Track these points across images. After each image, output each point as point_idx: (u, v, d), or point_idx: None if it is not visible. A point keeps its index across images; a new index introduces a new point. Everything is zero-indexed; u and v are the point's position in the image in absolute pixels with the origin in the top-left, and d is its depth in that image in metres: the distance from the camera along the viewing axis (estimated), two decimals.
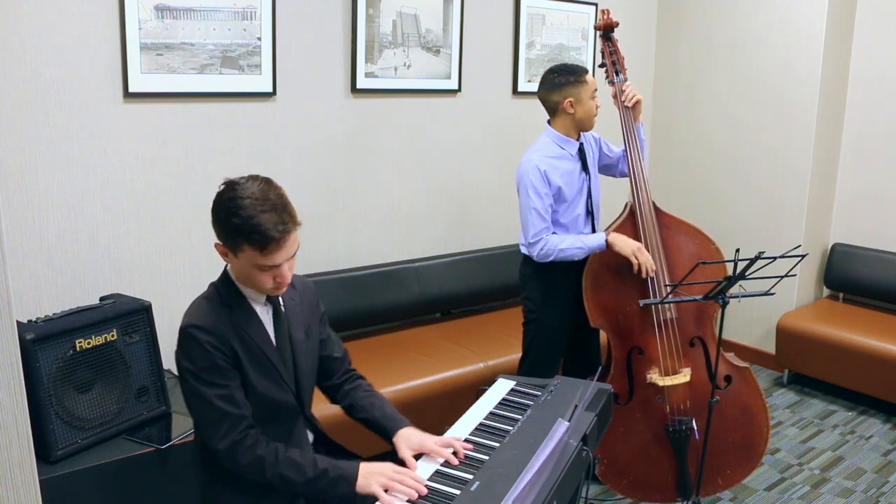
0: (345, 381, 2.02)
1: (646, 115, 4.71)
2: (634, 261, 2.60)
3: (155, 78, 2.86)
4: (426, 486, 1.66)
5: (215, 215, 1.70)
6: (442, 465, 1.75)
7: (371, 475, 1.69)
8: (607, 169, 2.99)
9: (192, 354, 1.69)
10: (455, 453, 1.78)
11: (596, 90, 2.74)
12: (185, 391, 1.76)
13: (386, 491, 1.65)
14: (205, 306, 1.76)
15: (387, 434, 1.90)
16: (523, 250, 2.81)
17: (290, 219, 1.67)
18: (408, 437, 1.85)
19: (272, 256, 1.66)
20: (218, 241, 1.72)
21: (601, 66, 2.89)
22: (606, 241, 2.63)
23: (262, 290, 1.77)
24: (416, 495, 1.63)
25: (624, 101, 2.78)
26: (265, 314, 1.82)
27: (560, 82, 2.71)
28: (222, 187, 1.70)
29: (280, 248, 1.66)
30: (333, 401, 2.04)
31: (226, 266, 1.81)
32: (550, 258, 2.70)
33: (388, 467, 1.71)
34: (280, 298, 1.85)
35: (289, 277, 1.74)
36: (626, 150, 2.79)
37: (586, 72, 2.74)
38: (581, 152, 2.78)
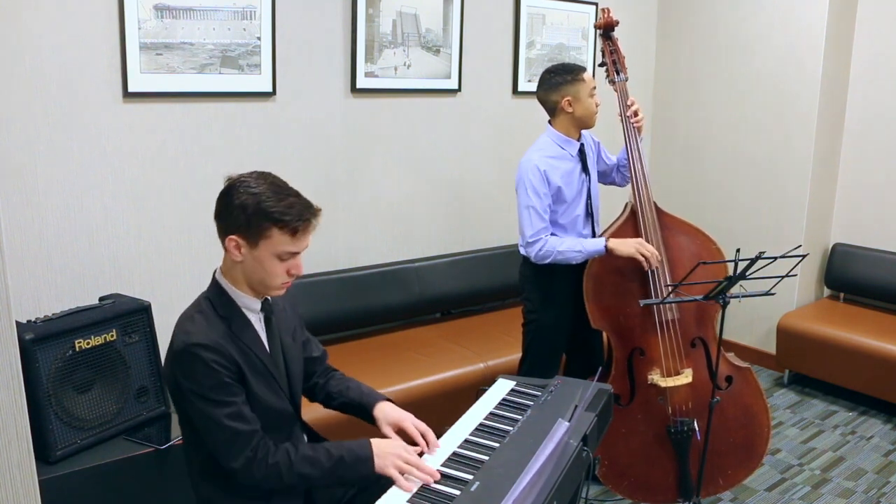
0: (320, 378, 2.02)
1: (646, 114, 4.70)
2: (640, 257, 2.59)
3: (154, 78, 2.86)
4: (439, 471, 1.68)
5: (232, 205, 1.65)
6: (445, 462, 1.74)
7: (386, 455, 1.69)
8: (602, 176, 2.99)
9: (197, 374, 1.63)
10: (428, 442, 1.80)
11: (594, 88, 2.74)
12: (189, 413, 1.69)
13: (402, 474, 1.66)
14: (201, 322, 1.69)
15: (366, 410, 1.91)
16: (522, 251, 2.80)
17: (313, 204, 1.70)
18: (386, 413, 1.87)
19: (300, 241, 1.68)
20: (232, 236, 1.66)
21: (601, 65, 2.88)
22: (606, 247, 2.63)
23: (271, 287, 1.73)
24: (430, 481, 1.65)
25: (632, 120, 2.76)
26: (258, 322, 1.79)
27: (557, 81, 2.71)
28: (230, 181, 1.69)
29: (308, 232, 1.69)
30: (312, 399, 2.03)
31: (214, 274, 1.78)
32: (548, 260, 2.69)
33: (401, 448, 1.72)
34: (270, 306, 1.84)
35: (301, 270, 1.74)
36: (627, 154, 2.77)
37: (583, 70, 2.74)
38: (581, 153, 2.78)
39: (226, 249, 1.71)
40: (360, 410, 1.93)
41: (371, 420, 1.91)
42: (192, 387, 1.64)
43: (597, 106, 2.75)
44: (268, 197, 1.64)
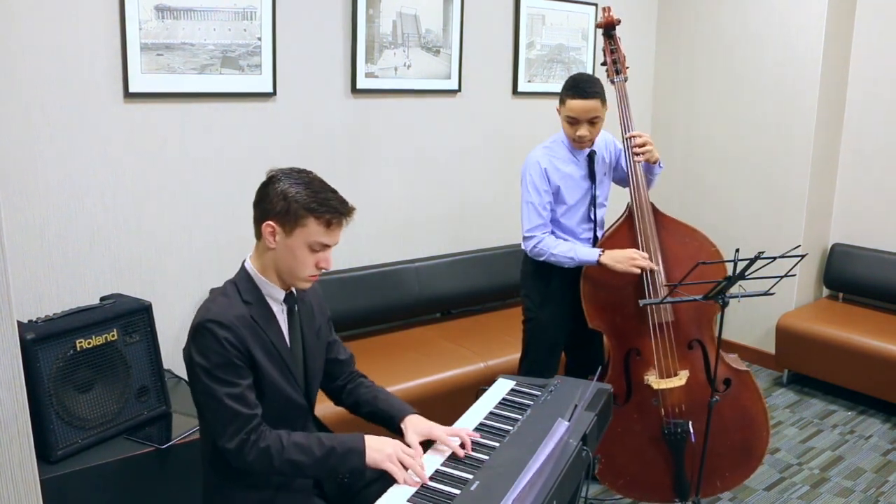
0: (348, 382, 2.04)
1: (646, 114, 4.72)
2: (636, 270, 2.59)
3: (155, 78, 2.86)
4: (430, 475, 1.69)
5: (274, 192, 1.72)
6: (445, 461, 1.75)
7: (381, 450, 1.71)
8: (624, 182, 2.95)
9: (207, 350, 1.68)
10: (462, 445, 1.79)
11: (575, 119, 2.63)
12: (195, 389, 1.74)
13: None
14: (223, 302, 1.74)
15: (394, 422, 1.91)
16: (522, 245, 2.82)
17: (348, 203, 1.77)
18: (415, 424, 1.87)
19: (333, 234, 1.75)
20: (269, 221, 1.72)
21: (602, 64, 2.88)
22: (599, 260, 2.63)
23: (299, 278, 1.77)
24: (417, 481, 1.66)
25: (636, 157, 2.71)
26: (280, 314, 1.83)
27: (562, 89, 2.69)
28: (273, 172, 1.77)
29: (340, 226, 1.76)
30: (337, 402, 2.05)
31: (243, 263, 1.82)
32: (542, 258, 2.72)
33: (396, 444, 1.74)
34: (295, 300, 1.86)
35: (331, 264, 1.79)
36: (624, 159, 2.78)
37: (574, 96, 2.61)
38: (591, 159, 2.78)
39: (261, 235, 1.76)
40: (387, 421, 1.94)
41: (397, 430, 1.90)
42: (201, 362, 1.68)
43: (578, 136, 2.65)
44: (307, 189, 1.72)
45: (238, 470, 1.74)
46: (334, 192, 1.76)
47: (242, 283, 1.79)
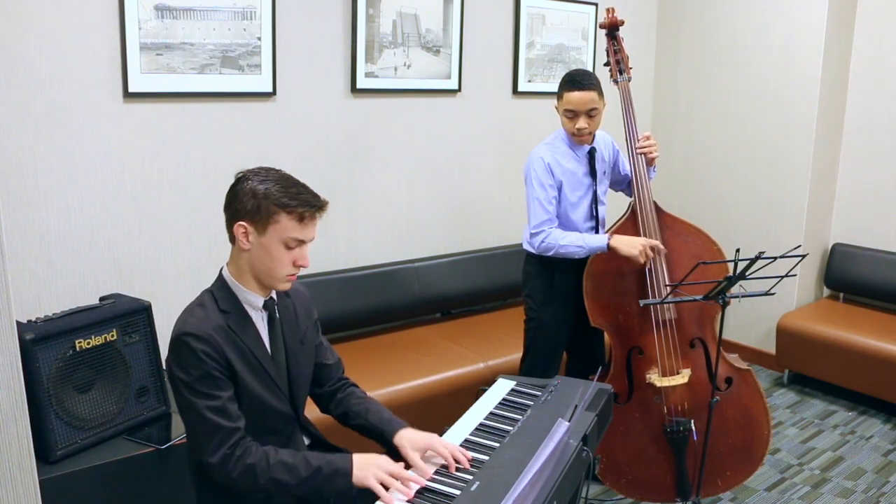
0: (337, 389, 1.99)
1: (646, 115, 4.72)
2: (644, 258, 2.59)
3: (155, 78, 2.86)
4: (427, 480, 1.66)
5: (242, 192, 1.69)
6: (442, 465, 1.75)
7: (366, 467, 1.66)
8: (614, 184, 2.98)
9: (185, 364, 1.65)
10: (457, 461, 1.74)
11: (573, 112, 2.65)
12: (178, 402, 1.71)
13: (385, 488, 1.63)
14: (199, 313, 1.71)
15: (386, 437, 1.86)
16: (525, 245, 2.81)
17: (320, 196, 1.73)
18: (412, 440, 1.80)
19: (307, 229, 1.71)
20: (241, 222, 1.69)
21: (605, 64, 2.89)
22: (608, 244, 2.63)
23: (277, 277, 1.73)
24: (410, 494, 1.62)
25: (639, 152, 2.73)
26: (260, 321, 1.79)
27: (558, 86, 2.70)
28: (240, 174, 1.74)
29: (315, 220, 1.72)
30: (325, 410, 2.01)
31: (221, 270, 1.79)
32: (551, 252, 2.71)
33: (383, 460, 1.69)
34: (275, 305, 1.83)
35: (308, 261, 1.75)
36: (629, 157, 2.79)
37: (572, 89, 2.64)
38: (591, 156, 2.78)
39: (234, 238, 1.73)
40: (378, 436, 1.89)
41: (389, 446, 1.85)
42: (181, 376, 1.66)
43: (578, 129, 2.67)
44: (277, 185, 1.69)
45: (222, 485, 1.71)
46: (305, 186, 1.73)
47: (219, 292, 1.76)
